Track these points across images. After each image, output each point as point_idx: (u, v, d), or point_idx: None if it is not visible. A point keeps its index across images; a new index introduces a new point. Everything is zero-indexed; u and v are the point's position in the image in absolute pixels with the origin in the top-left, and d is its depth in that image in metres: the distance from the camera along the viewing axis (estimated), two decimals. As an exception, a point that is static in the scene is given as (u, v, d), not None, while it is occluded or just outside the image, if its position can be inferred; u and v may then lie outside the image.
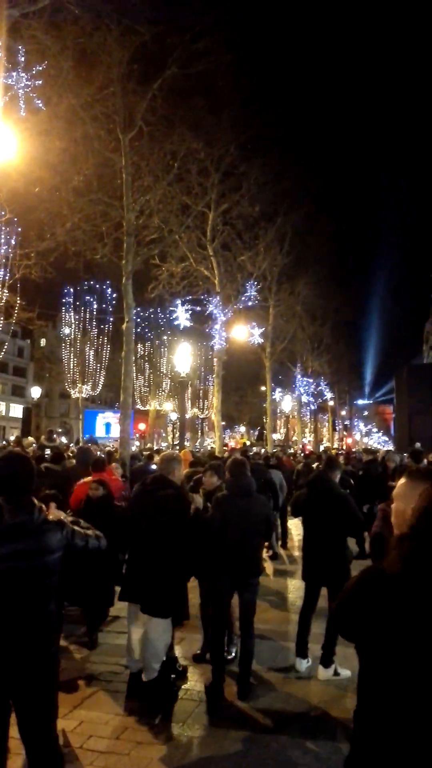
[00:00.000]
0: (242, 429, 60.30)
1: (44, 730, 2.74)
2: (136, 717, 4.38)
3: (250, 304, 21.59)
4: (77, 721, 4.25)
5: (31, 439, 16.57)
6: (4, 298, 16.05)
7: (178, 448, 21.10)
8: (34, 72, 9.78)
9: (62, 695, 3.59)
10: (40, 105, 10.34)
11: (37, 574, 2.66)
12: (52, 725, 2.78)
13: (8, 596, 2.61)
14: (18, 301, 16.38)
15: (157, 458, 10.61)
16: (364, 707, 1.55)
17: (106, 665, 5.34)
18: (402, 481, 2.15)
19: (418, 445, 16.74)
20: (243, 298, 20.91)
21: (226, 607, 5.08)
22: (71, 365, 34.84)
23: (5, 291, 15.85)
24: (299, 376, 35.95)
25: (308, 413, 47.82)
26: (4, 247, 15.02)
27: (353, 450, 35.12)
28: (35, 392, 36.98)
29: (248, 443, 42.24)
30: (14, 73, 9.48)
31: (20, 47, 9.66)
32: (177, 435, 39.83)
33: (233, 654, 5.43)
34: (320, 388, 41.94)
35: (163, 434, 50.00)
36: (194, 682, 5.06)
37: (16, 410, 55.23)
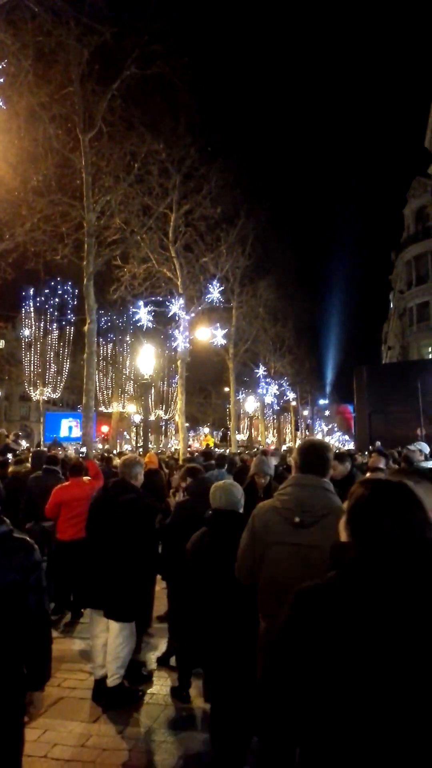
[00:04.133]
0: (206, 430, 60.34)
1: (9, 749, 2.51)
2: (101, 724, 4.36)
3: (213, 305, 21.64)
4: (41, 729, 4.20)
5: None
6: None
7: (141, 450, 20.96)
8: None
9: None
10: (0, 104, 10.16)
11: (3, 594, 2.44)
12: (17, 744, 2.56)
13: None
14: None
15: (117, 461, 10.54)
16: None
17: (69, 672, 5.28)
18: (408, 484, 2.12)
19: (378, 444, 17.08)
20: (206, 300, 20.94)
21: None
22: (32, 367, 34.24)
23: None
24: (262, 377, 36.22)
25: (271, 414, 48.21)
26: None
27: None
28: (-6, 395, 36.20)
29: (215, 443, 42.29)
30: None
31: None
32: (141, 437, 39.55)
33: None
34: (283, 388, 42.34)
35: (127, 436, 49.60)
36: (159, 686, 5.05)
37: (-25, 414, 53.93)
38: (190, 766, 3.82)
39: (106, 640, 4.70)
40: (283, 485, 2.94)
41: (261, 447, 32.74)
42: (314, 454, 2.87)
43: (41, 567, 2.62)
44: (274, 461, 7.69)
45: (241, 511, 3.69)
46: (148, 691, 4.95)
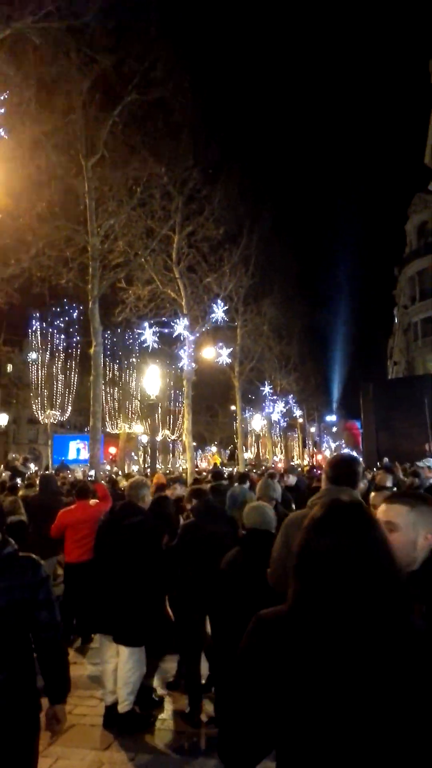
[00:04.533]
0: (213, 449, 60.18)
1: None
2: (113, 751, 4.31)
3: (217, 324, 21.74)
4: (53, 758, 4.15)
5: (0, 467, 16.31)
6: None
7: (149, 471, 20.93)
8: (-5, 102, 9.86)
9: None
10: (2, 134, 10.38)
11: (6, 613, 2.46)
12: None
13: None
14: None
15: (124, 483, 10.55)
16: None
17: (80, 698, 5.24)
18: (402, 508, 2.07)
19: (386, 460, 16.98)
20: (210, 319, 21.05)
21: (199, 631, 5.01)
22: (39, 390, 34.42)
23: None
24: (268, 395, 36.18)
25: (278, 431, 48.11)
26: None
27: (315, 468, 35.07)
28: (2, 419, 36.32)
29: (221, 462, 42.15)
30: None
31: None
32: (148, 457, 39.49)
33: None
34: (289, 406, 42.29)
35: (135, 457, 49.53)
36: (171, 711, 4.99)
37: (-17, 438, 54.08)
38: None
39: (117, 666, 4.67)
40: (315, 496, 3.01)
41: (268, 465, 32.61)
42: (345, 467, 3.01)
43: (49, 582, 2.66)
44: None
45: (273, 531, 3.71)
46: (160, 716, 4.90)
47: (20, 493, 8.57)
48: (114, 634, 4.59)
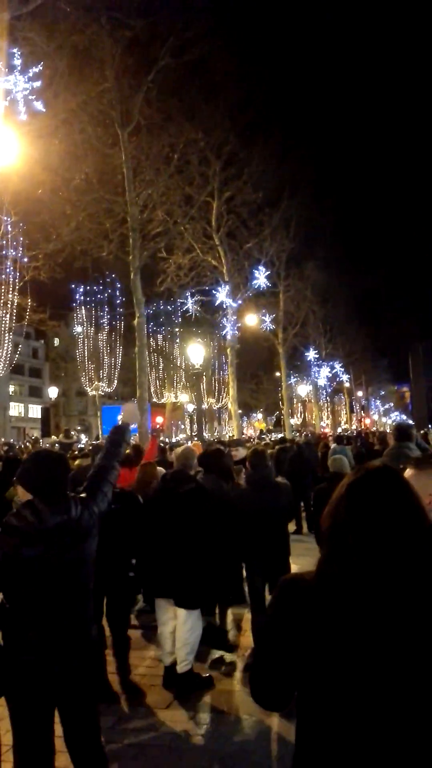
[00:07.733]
0: (259, 416, 60.25)
1: (90, 733, 2.69)
2: (174, 709, 4.44)
3: (259, 291, 21.50)
4: (115, 716, 4.31)
5: (54, 438, 16.78)
6: (15, 301, 16.19)
7: (195, 438, 21.14)
8: (31, 74, 9.77)
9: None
10: (40, 107, 10.34)
11: (73, 568, 2.60)
12: (97, 728, 2.72)
13: (50, 595, 2.54)
14: (29, 303, 16.53)
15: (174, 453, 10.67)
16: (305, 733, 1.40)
17: (140, 659, 5.40)
18: (409, 472, 1.98)
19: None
20: (252, 286, 20.83)
21: (260, 590, 5.24)
22: (86, 363, 35.04)
23: (16, 294, 15.97)
24: (314, 360, 35.80)
25: (325, 396, 47.72)
26: (12, 251, 15.12)
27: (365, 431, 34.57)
28: (52, 392, 37.25)
29: (265, 429, 42.21)
30: (12, 76, 9.50)
31: (15, 50, 9.67)
32: (195, 426, 39.87)
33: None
34: (335, 370, 41.78)
35: (182, 426, 50.10)
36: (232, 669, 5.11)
37: (35, 411, 55.73)
38: (263, 750, 3.85)
39: (174, 627, 4.78)
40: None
41: (311, 430, 32.42)
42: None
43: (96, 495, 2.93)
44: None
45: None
46: (222, 677, 5.00)
47: (76, 462, 8.79)
48: (174, 598, 4.69)
